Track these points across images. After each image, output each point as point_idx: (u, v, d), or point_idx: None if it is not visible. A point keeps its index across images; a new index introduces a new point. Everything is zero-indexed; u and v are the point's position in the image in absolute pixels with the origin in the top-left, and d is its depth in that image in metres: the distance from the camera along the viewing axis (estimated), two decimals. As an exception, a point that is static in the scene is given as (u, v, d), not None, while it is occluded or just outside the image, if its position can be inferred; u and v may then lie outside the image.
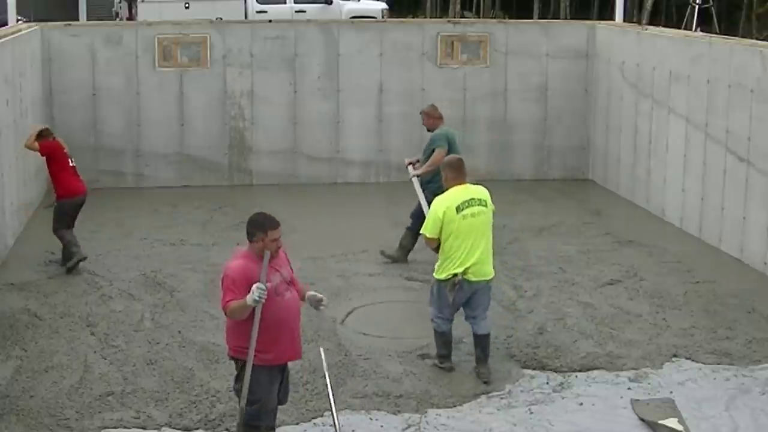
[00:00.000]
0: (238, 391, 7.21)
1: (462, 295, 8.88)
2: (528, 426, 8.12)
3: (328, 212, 13.80)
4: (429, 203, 10.59)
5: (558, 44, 16.91)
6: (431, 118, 12.31)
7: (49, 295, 10.95)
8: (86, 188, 12.15)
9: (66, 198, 11.88)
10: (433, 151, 11.90)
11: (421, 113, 12.51)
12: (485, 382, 8.85)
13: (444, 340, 9.11)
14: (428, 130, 12.30)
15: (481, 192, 9.01)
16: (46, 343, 9.64)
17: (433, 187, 11.20)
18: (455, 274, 8.77)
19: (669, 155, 14.29)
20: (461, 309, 9.07)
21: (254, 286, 6.89)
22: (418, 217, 11.47)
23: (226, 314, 7.07)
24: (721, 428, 8.11)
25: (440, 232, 8.80)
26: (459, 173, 9.00)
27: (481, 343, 9.06)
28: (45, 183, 15.59)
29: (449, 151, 11.53)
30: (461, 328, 9.52)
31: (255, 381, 7.06)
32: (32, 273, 11.52)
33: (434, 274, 8.99)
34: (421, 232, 9.11)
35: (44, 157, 12.01)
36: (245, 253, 7.16)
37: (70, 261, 11.69)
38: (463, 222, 8.77)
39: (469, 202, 8.85)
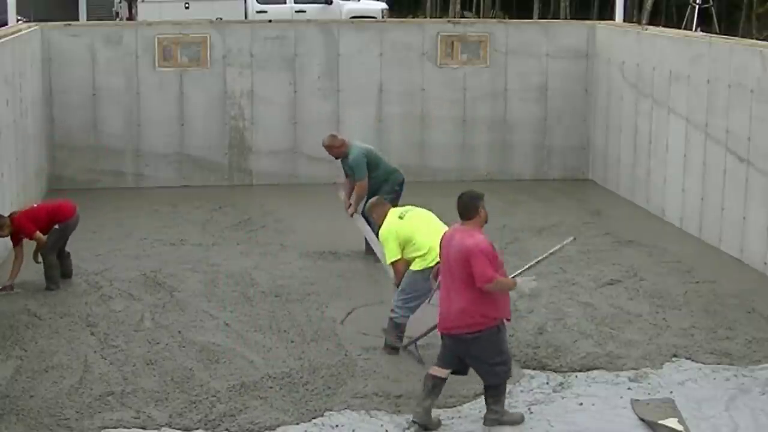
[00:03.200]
0: (499, 363, 7.95)
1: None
2: (528, 426, 8.12)
3: (328, 212, 13.78)
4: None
5: (558, 44, 16.91)
6: (335, 147, 12.49)
7: (49, 295, 10.94)
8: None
9: (69, 219, 11.39)
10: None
11: (324, 147, 12.60)
12: None
13: (400, 331, 9.48)
14: (337, 158, 12.50)
15: (406, 207, 9.90)
16: (46, 343, 9.63)
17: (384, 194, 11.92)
18: (438, 262, 9.08)
19: (669, 155, 14.29)
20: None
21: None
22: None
23: (487, 286, 7.69)
24: (721, 428, 8.11)
25: (401, 249, 9.38)
26: (383, 208, 9.85)
27: None
28: (45, 184, 15.62)
29: (375, 168, 12.19)
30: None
31: (504, 342, 7.99)
32: (32, 273, 11.50)
33: (411, 268, 9.38)
34: (387, 263, 9.60)
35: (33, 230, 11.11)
36: (475, 229, 7.87)
37: (50, 284, 11.16)
38: (411, 222, 9.48)
39: (404, 211, 9.68)
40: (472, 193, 8.00)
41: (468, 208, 7.91)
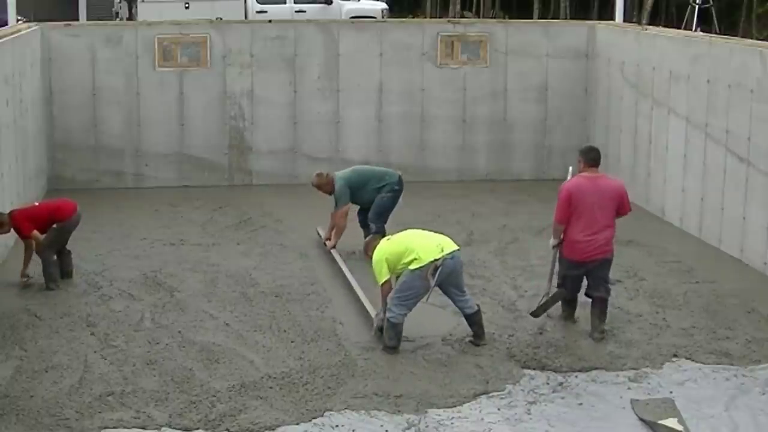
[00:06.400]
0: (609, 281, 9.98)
1: (443, 275, 9.35)
2: (528, 426, 8.13)
3: (328, 212, 13.78)
4: (386, 205, 12.50)
5: (558, 44, 16.91)
6: (323, 185, 12.77)
7: (49, 295, 10.95)
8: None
9: (68, 218, 11.37)
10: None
11: (314, 187, 12.88)
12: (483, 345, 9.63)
13: (398, 331, 9.49)
14: (330, 194, 12.70)
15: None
16: (46, 343, 9.63)
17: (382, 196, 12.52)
18: (435, 259, 9.33)
19: (669, 155, 14.29)
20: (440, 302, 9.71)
21: None
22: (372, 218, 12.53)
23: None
24: (721, 428, 8.11)
25: (391, 266, 9.47)
26: (374, 242, 9.87)
27: (475, 319, 9.67)
28: (45, 183, 15.63)
29: (365, 184, 12.50)
30: (465, 327, 9.61)
31: None
32: (32, 273, 11.50)
33: (408, 267, 9.38)
34: (379, 284, 9.62)
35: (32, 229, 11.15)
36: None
37: (49, 283, 11.16)
38: (399, 237, 9.72)
39: (391, 235, 10.04)
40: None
41: (599, 157, 9.92)
